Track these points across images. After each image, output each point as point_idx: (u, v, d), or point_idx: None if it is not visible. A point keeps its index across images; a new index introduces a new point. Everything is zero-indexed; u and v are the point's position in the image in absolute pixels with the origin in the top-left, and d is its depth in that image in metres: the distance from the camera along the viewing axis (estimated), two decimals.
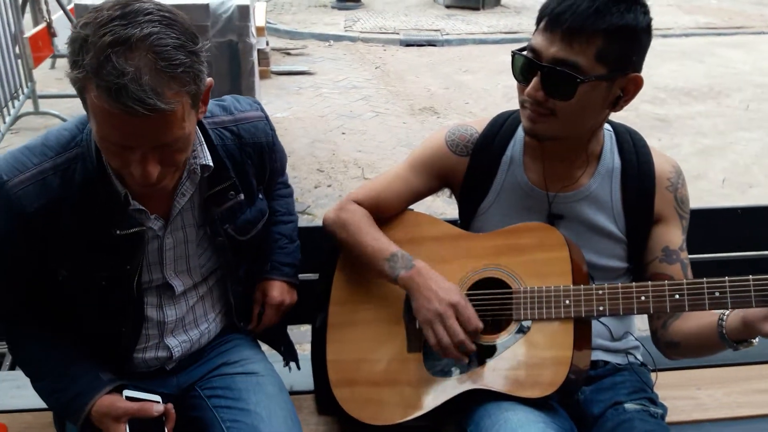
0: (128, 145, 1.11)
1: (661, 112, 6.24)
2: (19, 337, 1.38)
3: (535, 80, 1.27)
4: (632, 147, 1.45)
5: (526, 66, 1.30)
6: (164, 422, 1.33)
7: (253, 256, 1.54)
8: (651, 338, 1.47)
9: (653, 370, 1.54)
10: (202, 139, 1.33)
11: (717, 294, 1.21)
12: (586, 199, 1.44)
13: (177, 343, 1.45)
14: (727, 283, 1.21)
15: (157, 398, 1.34)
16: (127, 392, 1.32)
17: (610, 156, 1.45)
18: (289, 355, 1.69)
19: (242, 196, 1.40)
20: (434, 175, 1.54)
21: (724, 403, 1.72)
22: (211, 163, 1.32)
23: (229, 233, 1.41)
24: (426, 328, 1.36)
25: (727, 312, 1.25)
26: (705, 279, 1.23)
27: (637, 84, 1.30)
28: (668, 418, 1.47)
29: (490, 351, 1.37)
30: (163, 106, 1.05)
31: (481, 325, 1.34)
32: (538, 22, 1.29)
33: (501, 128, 1.50)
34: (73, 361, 1.35)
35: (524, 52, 1.31)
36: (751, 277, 1.19)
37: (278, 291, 1.58)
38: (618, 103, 1.32)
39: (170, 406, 1.34)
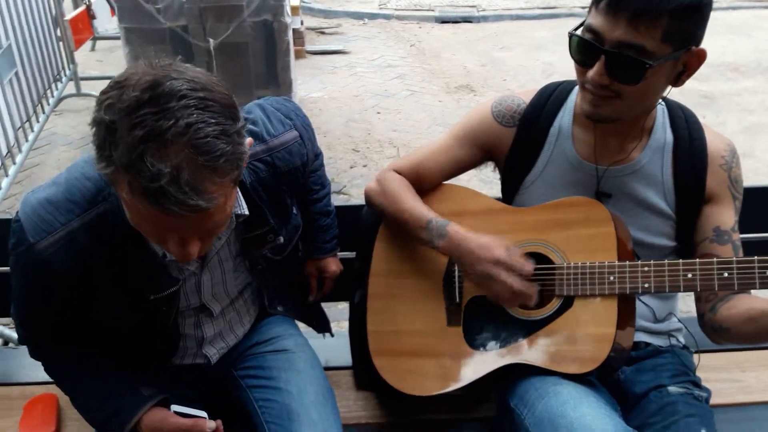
0: (167, 233, 1.04)
1: (706, 89, 6.04)
2: (53, 356, 1.37)
3: (598, 64, 1.23)
4: (684, 123, 1.41)
5: (587, 49, 1.25)
6: None
7: (291, 263, 1.54)
8: (698, 322, 1.43)
9: (696, 352, 1.51)
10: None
11: None
12: (636, 173, 1.40)
13: (215, 351, 1.48)
14: None
15: (204, 414, 1.31)
16: (174, 407, 1.31)
17: (662, 131, 1.41)
18: (322, 326, 1.71)
19: (281, 239, 1.36)
20: (478, 146, 1.51)
21: None
22: (247, 212, 1.27)
23: (267, 257, 1.40)
24: (482, 288, 1.37)
25: None
26: (756, 257, 1.19)
27: (701, 58, 1.26)
28: (711, 401, 1.44)
29: (532, 326, 1.36)
30: (206, 205, 0.96)
31: (531, 267, 1.32)
32: (596, 1, 1.24)
33: (549, 99, 1.46)
34: (111, 376, 1.33)
35: (581, 33, 1.26)
36: None
37: (335, 264, 1.67)
38: (680, 78, 1.28)
39: (219, 422, 1.30)
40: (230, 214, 1.09)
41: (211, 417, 1.31)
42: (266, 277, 1.46)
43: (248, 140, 1.07)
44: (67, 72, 5.39)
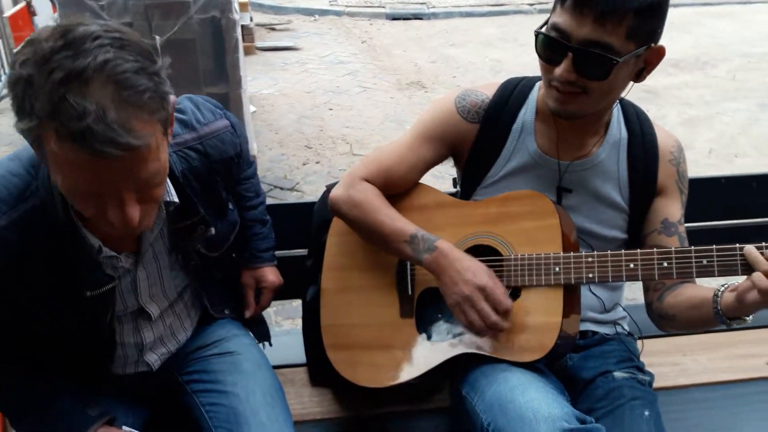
0: (102, 192, 0.99)
1: (648, 83, 6.19)
2: None
3: (566, 62, 1.25)
4: (637, 119, 1.45)
5: (554, 47, 1.26)
6: None
7: (228, 264, 1.51)
8: (646, 310, 1.48)
9: (640, 338, 1.56)
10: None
11: (704, 262, 1.23)
12: (594, 168, 1.44)
13: (156, 357, 1.43)
14: (715, 252, 1.22)
15: None
16: (126, 428, 1.30)
17: (618, 127, 1.45)
18: (263, 335, 1.67)
19: (212, 231, 1.32)
20: (444, 143, 1.49)
21: (708, 368, 1.76)
22: (176, 199, 1.24)
23: (201, 253, 1.37)
24: (455, 310, 1.35)
25: (723, 288, 1.26)
26: (693, 247, 1.24)
27: (660, 54, 1.30)
28: (654, 384, 1.50)
29: None
30: (136, 142, 0.93)
31: (510, 304, 1.32)
32: (563, 2, 1.23)
33: (512, 94, 1.47)
34: (56, 395, 1.29)
35: (547, 30, 1.26)
36: (738, 245, 1.21)
37: (272, 275, 1.61)
38: (641, 75, 1.32)
39: None
40: (165, 169, 1.05)
41: (161, 425, 1.28)
42: (202, 277, 1.43)
43: (172, 99, 1.04)
44: (7, 70, 5.20)
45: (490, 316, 1.30)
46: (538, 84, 1.46)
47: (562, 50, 1.25)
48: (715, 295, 1.26)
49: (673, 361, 1.78)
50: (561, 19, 1.24)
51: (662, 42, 1.30)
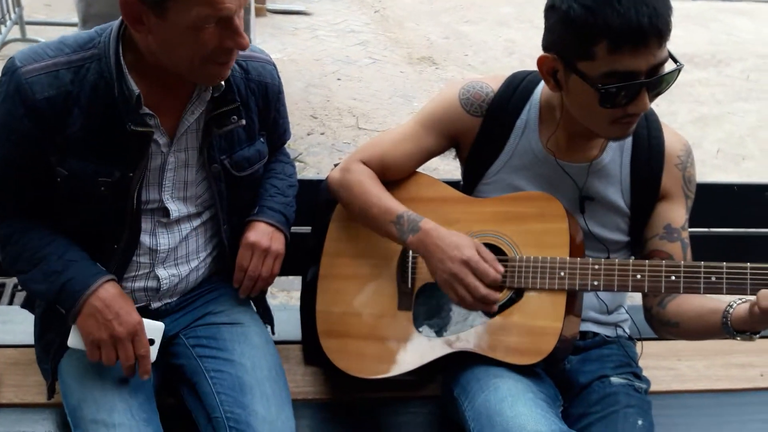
0: (225, 8, 1.15)
1: None
2: (13, 229, 1.34)
3: (642, 96, 1.21)
4: (644, 121, 1.42)
5: (627, 91, 1.21)
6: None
7: (247, 206, 1.51)
8: (644, 315, 1.47)
9: (639, 339, 1.55)
10: None
11: (713, 279, 1.21)
12: (598, 171, 1.42)
13: (167, 275, 1.44)
14: (725, 270, 1.21)
15: (161, 325, 1.36)
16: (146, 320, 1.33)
17: None
18: (266, 318, 1.66)
19: (244, 122, 1.40)
20: (445, 135, 1.48)
21: (703, 375, 1.75)
22: (223, 85, 1.33)
23: (225, 165, 1.41)
24: (445, 289, 1.33)
25: (739, 300, 1.23)
26: (703, 263, 1.23)
27: None
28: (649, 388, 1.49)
29: (481, 316, 1.37)
30: None
31: (500, 271, 1.31)
32: (614, 47, 1.17)
33: (516, 90, 1.44)
34: (70, 248, 1.33)
35: (608, 83, 1.20)
36: (749, 264, 1.19)
37: (256, 232, 1.45)
38: None
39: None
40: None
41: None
42: (223, 197, 1.43)
43: None
44: (12, 15, 5.10)
45: (478, 289, 1.28)
46: (542, 83, 1.42)
47: (636, 89, 1.20)
48: (729, 305, 1.24)
49: (668, 366, 1.77)
50: (619, 64, 1.18)
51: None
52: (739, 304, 1.23)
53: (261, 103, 1.45)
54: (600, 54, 1.19)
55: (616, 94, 1.21)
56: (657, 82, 1.21)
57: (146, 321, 1.32)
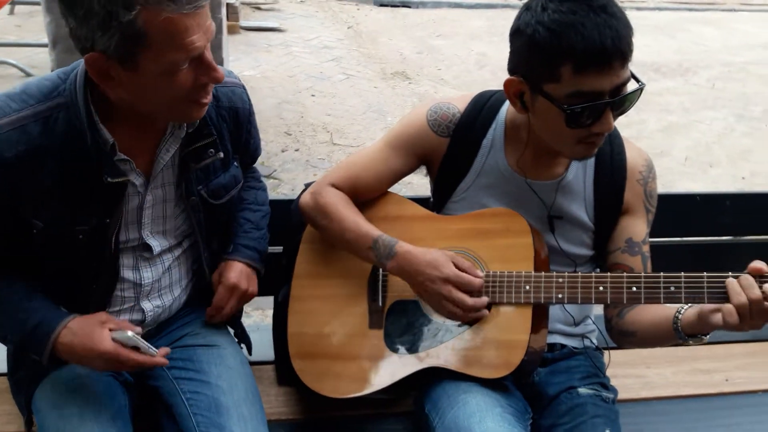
0: (196, 47, 1.13)
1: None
2: None
3: (606, 116, 1.24)
4: (607, 137, 1.45)
5: (591, 112, 1.24)
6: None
7: (224, 228, 1.53)
8: (605, 326, 1.51)
9: (606, 348, 1.59)
10: None
11: (672, 288, 1.25)
12: (562, 187, 1.45)
13: (151, 308, 1.44)
14: (683, 279, 1.25)
15: (152, 348, 1.32)
16: (114, 334, 1.29)
17: None
18: (243, 339, 1.67)
19: (221, 155, 1.40)
20: (414, 155, 1.51)
21: (671, 381, 1.79)
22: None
23: (203, 195, 1.41)
24: (436, 309, 1.38)
25: (686, 306, 1.29)
26: (662, 273, 1.27)
27: None
28: (618, 396, 1.52)
29: (451, 331, 1.39)
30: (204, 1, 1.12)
31: (480, 276, 1.35)
32: (579, 69, 1.20)
33: (482, 110, 1.47)
34: (32, 296, 1.31)
35: (572, 103, 1.23)
36: (705, 274, 1.24)
37: (236, 273, 1.49)
38: None
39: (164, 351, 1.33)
40: (213, 31, 1.19)
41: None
42: (201, 226, 1.44)
43: None
44: None
45: (464, 301, 1.33)
46: (507, 102, 1.45)
47: (601, 109, 1.24)
48: (678, 311, 1.29)
49: (637, 374, 1.81)
50: (584, 84, 1.21)
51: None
52: (686, 309, 1.29)
53: (232, 127, 1.44)
54: (565, 76, 1.22)
55: (581, 114, 1.24)
56: (621, 101, 1.25)
57: (119, 335, 1.28)
